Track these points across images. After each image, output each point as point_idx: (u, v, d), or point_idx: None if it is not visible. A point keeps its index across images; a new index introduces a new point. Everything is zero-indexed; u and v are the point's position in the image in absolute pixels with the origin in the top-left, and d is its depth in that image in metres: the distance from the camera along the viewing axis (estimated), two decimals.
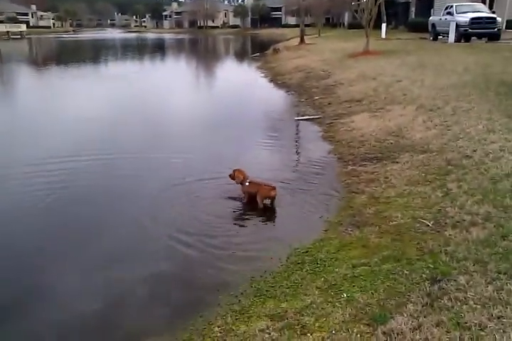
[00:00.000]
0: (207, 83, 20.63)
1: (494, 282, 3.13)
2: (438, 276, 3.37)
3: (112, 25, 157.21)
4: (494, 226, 4.00)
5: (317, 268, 3.91)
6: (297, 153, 8.16)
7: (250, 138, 9.16)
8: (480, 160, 5.70)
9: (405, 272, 3.56)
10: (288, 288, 3.67)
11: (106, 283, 4.14)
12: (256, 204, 5.61)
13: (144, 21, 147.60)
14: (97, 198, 6.21)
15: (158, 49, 46.70)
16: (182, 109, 13.07)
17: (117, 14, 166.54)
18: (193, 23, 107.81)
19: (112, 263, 4.52)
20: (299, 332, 3.06)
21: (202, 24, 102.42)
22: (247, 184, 5.76)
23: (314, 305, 3.32)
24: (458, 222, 4.31)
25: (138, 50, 45.44)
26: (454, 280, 3.27)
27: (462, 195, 4.89)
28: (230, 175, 5.97)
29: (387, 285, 3.42)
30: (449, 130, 7.24)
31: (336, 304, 3.30)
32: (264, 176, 6.33)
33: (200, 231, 5.07)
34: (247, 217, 5.43)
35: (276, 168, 7.14)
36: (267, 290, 3.69)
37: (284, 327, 3.13)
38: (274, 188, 5.58)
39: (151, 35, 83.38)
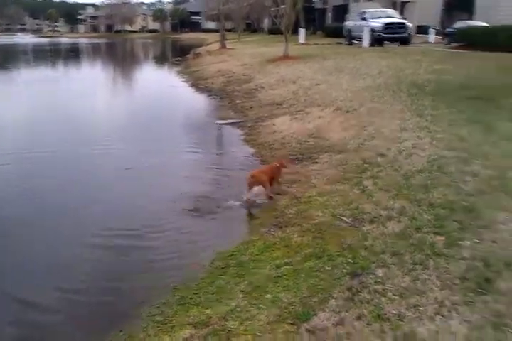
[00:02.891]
0: (124, 89, 20.07)
1: (410, 273, 3.25)
2: (358, 270, 3.46)
3: (23, 30, 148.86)
4: (408, 219, 4.17)
5: (241, 271, 3.88)
6: (219, 157, 8.10)
7: (170, 144, 8.98)
8: (394, 158, 5.95)
9: (327, 268, 3.62)
10: (212, 293, 3.61)
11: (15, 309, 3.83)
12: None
13: (58, 26, 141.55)
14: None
15: (73, 54, 44.82)
16: (98, 116, 12.61)
17: (29, 18, 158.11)
18: (110, 28, 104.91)
19: (23, 275, 4.23)
20: (223, 338, 3.00)
21: (119, 28, 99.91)
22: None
23: (239, 309, 3.28)
24: (375, 217, 4.46)
25: (51, 55, 43.36)
26: (373, 273, 3.37)
27: (378, 191, 5.07)
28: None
29: (310, 283, 3.45)
30: (364, 130, 7.51)
31: (261, 306, 3.28)
32: (186, 183, 6.25)
33: (120, 239, 4.87)
34: (169, 223, 5.28)
35: (197, 174, 7.02)
36: (190, 298, 3.60)
37: (208, 334, 3.06)
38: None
39: (65, 40, 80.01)
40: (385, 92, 9.79)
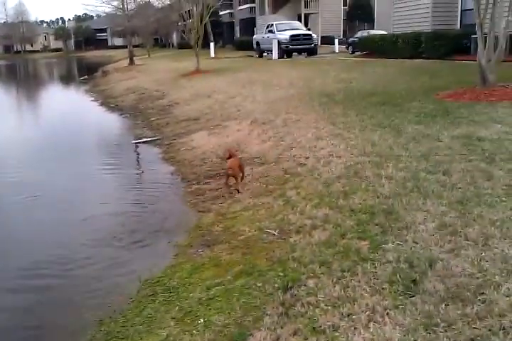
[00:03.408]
0: (29, 112, 18.90)
1: (340, 281, 3.26)
2: (289, 284, 3.42)
3: None
4: (333, 226, 4.22)
5: (171, 297, 3.71)
6: (137, 177, 7.82)
7: (83, 168, 8.52)
8: (313, 167, 6.05)
9: (258, 285, 3.56)
10: (141, 324, 3.41)
11: None
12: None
13: None
14: None
15: None
16: (3, 143, 11.74)
17: None
18: (8, 48, 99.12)
19: None
20: None
21: (19, 49, 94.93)
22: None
23: (171, 338, 3.13)
24: (300, 227, 4.47)
25: None
26: (304, 284, 3.35)
27: (301, 201, 5.12)
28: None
29: (243, 302, 3.37)
30: (282, 141, 7.61)
31: (194, 332, 3.15)
32: (102, 208, 6.02)
33: (34, 280, 4.52)
34: (88, 256, 4.94)
35: (115, 196, 6.76)
36: (118, 332, 3.38)
37: None
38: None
39: None
40: (298, 103, 10.03)
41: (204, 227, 5.19)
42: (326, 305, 3.01)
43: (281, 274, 3.62)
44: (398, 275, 3.11)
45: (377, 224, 4.00)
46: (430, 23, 20.09)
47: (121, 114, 14.63)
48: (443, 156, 5.37)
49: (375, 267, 3.33)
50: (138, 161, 9.22)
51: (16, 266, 4.79)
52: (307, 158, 6.46)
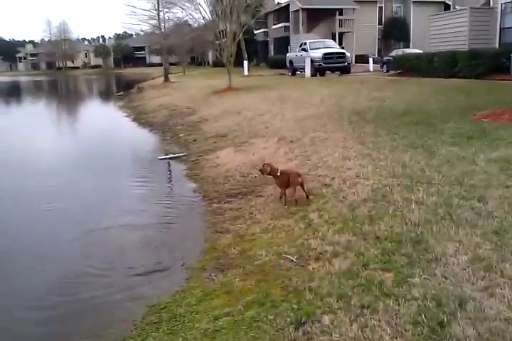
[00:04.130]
0: (65, 126, 19.28)
1: (358, 319, 2.95)
2: (302, 318, 3.13)
3: None
4: (355, 255, 3.91)
5: (176, 327, 3.46)
6: (159, 194, 7.63)
7: (107, 182, 8.49)
8: (338, 188, 5.76)
9: (269, 317, 3.27)
10: None
11: None
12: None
13: None
14: None
15: (14, 92, 43.32)
16: (38, 154, 11.86)
17: None
18: (51, 65, 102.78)
19: None
20: None
21: (61, 65, 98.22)
22: (278, 174, 5.82)
23: None
24: (320, 253, 4.18)
25: None
26: (318, 321, 3.05)
27: (324, 224, 4.82)
28: (260, 170, 6.11)
29: (251, 336, 3.10)
30: (308, 160, 7.35)
31: None
32: (122, 221, 5.84)
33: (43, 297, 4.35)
34: (98, 274, 4.76)
35: (135, 212, 6.60)
36: None
37: None
38: (300, 174, 5.76)
39: (4, 79, 77.52)
40: (327, 121, 9.76)
41: (220, 249, 4.94)
42: None
43: (296, 307, 3.32)
44: (424, 316, 2.78)
45: (403, 255, 3.66)
46: (467, 42, 19.59)
47: (151, 130, 14.66)
48: (478, 181, 4.99)
49: (399, 304, 3.00)
50: (162, 177, 9.07)
51: None
52: (333, 178, 6.17)
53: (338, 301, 3.22)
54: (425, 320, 2.73)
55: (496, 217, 4.02)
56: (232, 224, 5.63)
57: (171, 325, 3.51)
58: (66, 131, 17.15)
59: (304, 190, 5.73)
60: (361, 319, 2.93)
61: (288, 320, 3.17)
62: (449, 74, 17.20)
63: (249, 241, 4.98)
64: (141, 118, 17.23)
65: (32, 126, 17.31)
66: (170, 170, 9.45)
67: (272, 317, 3.26)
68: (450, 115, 8.97)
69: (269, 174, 5.99)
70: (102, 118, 19.84)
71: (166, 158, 10.14)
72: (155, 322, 3.60)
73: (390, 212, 4.60)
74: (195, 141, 11.66)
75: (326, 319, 3.03)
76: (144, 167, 9.78)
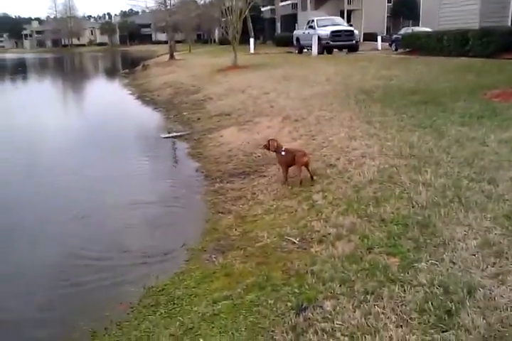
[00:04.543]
0: (69, 103, 19.15)
1: (362, 305, 2.83)
2: (304, 303, 3.01)
3: None
4: (359, 238, 3.77)
5: (173, 310, 3.37)
6: (160, 173, 7.49)
7: (109, 160, 8.36)
8: (343, 168, 5.59)
9: (270, 302, 3.16)
10: (137, 340, 3.07)
11: None
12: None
13: (2, 41, 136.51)
14: None
15: (21, 69, 42.93)
16: (43, 130, 11.71)
17: None
18: (56, 42, 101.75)
19: None
20: None
21: (67, 42, 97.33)
22: (282, 153, 5.64)
23: None
24: (324, 236, 4.05)
25: None
26: (320, 306, 2.94)
27: (327, 206, 4.68)
28: (264, 146, 5.95)
29: (250, 321, 2.99)
30: (313, 139, 7.16)
31: None
32: (123, 200, 5.74)
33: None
34: (95, 256, 4.64)
35: (136, 191, 6.48)
36: None
37: None
38: (305, 154, 5.54)
39: (11, 56, 77.00)
40: (333, 100, 9.53)
41: (221, 230, 4.83)
42: (343, 335, 2.59)
43: (297, 291, 3.21)
44: (430, 303, 2.65)
45: (410, 239, 3.52)
46: (478, 20, 19.07)
47: (155, 108, 14.45)
48: (489, 162, 4.81)
49: (404, 290, 2.87)
50: (164, 156, 8.90)
51: None
52: (338, 158, 6.00)
53: (340, 286, 3.10)
54: (432, 308, 2.61)
55: (506, 200, 3.86)
56: (234, 205, 5.51)
57: (168, 308, 3.42)
58: (70, 110, 16.97)
59: (308, 170, 5.57)
60: (365, 305, 2.81)
61: (289, 304, 3.06)
62: (459, 53, 16.78)
63: (250, 223, 4.86)
64: (145, 96, 17.00)
65: (38, 104, 17.10)
66: (173, 149, 9.31)
67: (272, 301, 3.15)
68: (460, 94, 8.72)
69: (274, 151, 5.81)
70: (106, 97, 19.59)
71: (169, 137, 9.98)
72: (152, 305, 3.51)
73: (397, 193, 4.45)
74: (199, 119, 11.47)
75: (328, 305, 2.91)
76: (146, 145, 9.65)
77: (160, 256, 4.49)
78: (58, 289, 4.06)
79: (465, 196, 4.05)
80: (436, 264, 3.10)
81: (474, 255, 3.12)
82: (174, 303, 3.46)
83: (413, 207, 4.07)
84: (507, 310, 2.49)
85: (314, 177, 5.52)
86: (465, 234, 3.41)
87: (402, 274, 3.07)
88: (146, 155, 8.70)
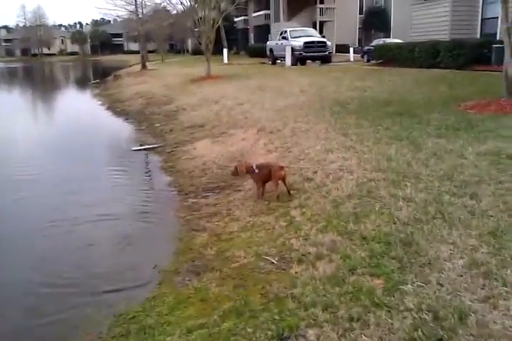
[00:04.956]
0: (37, 114, 18.57)
1: (347, 333, 2.65)
2: (285, 332, 2.82)
3: None
4: (341, 257, 3.61)
5: (144, 340, 3.12)
6: (130, 188, 7.18)
7: (77, 175, 7.99)
8: (321, 182, 5.44)
9: (248, 330, 2.95)
10: None
11: None
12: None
13: None
14: None
15: None
16: (8, 143, 11.29)
17: None
18: (26, 51, 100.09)
19: None
20: None
21: (37, 52, 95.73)
22: (256, 171, 5.38)
23: None
24: (303, 255, 3.87)
25: None
26: (303, 335, 2.74)
27: (306, 222, 4.51)
28: (233, 173, 5.65)
29: None
30: (289, 152, 7.02)
31: None
32: (90, 215, 5.48)
33: None
34: (60, 277, 4.36)
35: (105, 207, 6.16)
36: None
37: None
38: (282, 167, 5.35)
39: None
40: (308, 111, 9.44)
41: (195, 250, 4.60)
42: None
43: (277, 317, 3.00)
44: (420, 331, 2.49)
45: (393, 258, 3.37)
46: (449, 32, 19.46)
47: (126, 119, 14.14)
48: (469, 176, 4.73)
49: (391, 316, 2.71)
50: (135, 170, 8.57)
51: None
52: (315, 172, 5.85)
53: (323, 312, 2.91)
54: (423, 337, 2.44)
55: (491, 216, 3.76)
56: (209, 222, 5.29)
57: (139, 338, 3.16)
58: (38, 120, 16.49)
59: (285, 184, 5.40)
60: (350, 334, 2.63)
61: (269, 333, 2.85)
62: (431, 65, 17.03)
63: (226, 241, 4.64)
64: (116, 107, 16.66)
65: (4, 114, 16.59)
66: (144, 162, 9.03)
67: (251, 330, 2.94)
68: (434, 106, 8.75)
69: (246, 173, 5.56)
70: (76, 107, 19.13)
71: (140, 149, 9.70)
72: (122, 335, 3.25)
73: (377, 209, 4.31)
74: (171, 131, 11.23)
75: (312, 333, 2.72)
76: (116, 158, 9.35)
77: (130, 280, 4.23)
78: (18, 318, 3.75)
79: (447, 212, 3.94)
80: (423, 286, 2.95)
81: (462, 276, 2.98)
82: (145, 333, 3.21)
83: (394, 223, 3.94)
84: (502, 337, 2.34)
85: (291, 192, 5.36)
86: (451, 253, 3.28)
87: (387, 298, 2.90)
88: (115, 168, 8.37)
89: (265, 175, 5.36)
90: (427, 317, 2.61)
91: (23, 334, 3.54)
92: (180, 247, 4.76)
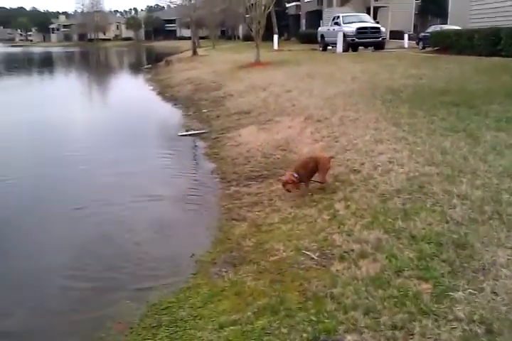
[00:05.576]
0: (90, 99, 18.96)
1: None
2: (321, 336, 2.64)
3: None
4: (386, 257, 3.37)
5: (175, 334, 3.03)
6: (174, 174, 7.12)
7: (123, 157, 8.07)
8: (368, 175, 5.18)
9: (282, 331, 2.79)
10: None
11: None
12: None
13: (30, 35, 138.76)
14: None
15: (46, 63, 43.33)
16: (61, 125, 11.59)
17: None
18: (82, 36, 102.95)
19: None
20: None
21: (92, 37, 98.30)
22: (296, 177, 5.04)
23: None
24: (346, 252, 3.66)
25: (24, 63, 41.86)
26: None
27: (350, 217, 4.29)
28: (287, 190, 5.13)
29: None
30: (336, 142, 6.75)
31: None
32: (131, 203, 5.48)
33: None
34: (96, 267, 4.32)
35: (144, 194, 6.10)
36: None
37: None
38: (330, 158, 5.24)
39: (38, 49, 77.97)
40: (358, 99, 9.07)
41: (234, 240, 4.48)
42: None
43: (314, 319, 2.83)
44: None
45: (444, 261, 3.11)
46: None
47: (175, 104, 14.19)
48: None
49: (439, 326, 2.48)
50: (179, 156, 8.53)
51: None
52: (362, 163, 5.58)
53: (364, 316, 2.71)
54: None
55: None
56: (250, 211, 5.15)
57: (170, 331, 3.08)
58: (92, 104, 16.86)
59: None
60: None
61: (304, 335, 2.69)
62: (491, 53, 16.05)
63: (266, 232, 4.49)
64: (165, 92, 16.76)
65: (62, 97, 17.15)
66: (189, 148, 8.97)
67: (285, 330, 2.79)
68: (494, 96, 8.17)
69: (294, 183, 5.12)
70: (127, 92, 19.41)
71: (186, 135, 9.67)
72: (153, 326, 3.17)
73: (428, 206, 4.03)
74: (218, 117, 11.14)
75: (350, 340, 2.53)
76: (162, 144, 9.35)
77: (167, 267, 4.16)
78: (48, 302, 3.76)
79: (506, 212, 3.61)
80: (476, 294, 2.69)
81: None
82: (177, 326, 3.12)
83: (447, 222, 3.65)
84: None
85: (337, 184, 5.13)
86: (508, 259, 2.99)
87: (435, 305, 2.67)
88: (160, 155, 8.35)
89: (312, 170, 5.13)
90: (478, 330, 2.37)
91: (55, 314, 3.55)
92: (218, 236, 4.66)
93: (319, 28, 28.82)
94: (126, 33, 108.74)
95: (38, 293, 3.88)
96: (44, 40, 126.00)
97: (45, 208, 5.85)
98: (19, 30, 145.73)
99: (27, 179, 6.98)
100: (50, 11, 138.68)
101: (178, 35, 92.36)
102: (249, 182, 6.18)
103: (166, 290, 3.66)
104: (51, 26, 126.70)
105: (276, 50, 28.30)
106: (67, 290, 3.88)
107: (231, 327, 2.95)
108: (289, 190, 5.12)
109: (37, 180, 6.98)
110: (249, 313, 3.08)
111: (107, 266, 4.28)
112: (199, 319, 3.15)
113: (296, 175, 5.07)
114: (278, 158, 6.94)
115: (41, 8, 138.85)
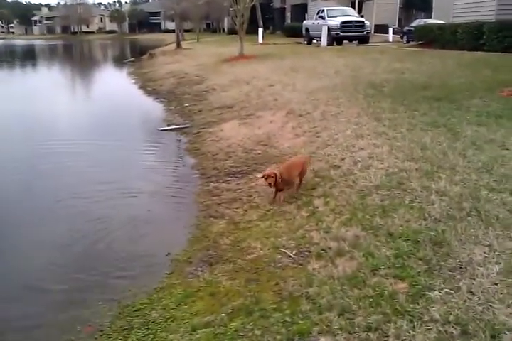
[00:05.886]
0: (72, 91, 18.62)
1: None
2: (295, 338, 2.58)
3: None
4: (363, 255, 3.32)
5: (146, 337, 2.94)
6: (154, 170, 6.99)
7: (100, 154, 7.90)
8: (348, 171, 5.12)
9: (256, 332, 2.73)
10: None
11: None
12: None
13: (12, 27, 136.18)
14: None
15: (28, 56, 42.52)
16: (40, 118, 11.36)
17: None
18: (66, 29, 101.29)
19: None
20: None
21: (76, 30, 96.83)
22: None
23: None
24: (323, 250, 3.61)
25: (5, 56, 41.06)
26: None
27: (329, 213, 4.23)
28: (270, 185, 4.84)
29: None
30: (317, 137, 6.69)
31: None
32: (107, 198, 5.36)
33: None
34: (66, 266, 4.20)
35: (120, 190, 5.96)
36: None
37: None
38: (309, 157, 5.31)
39: (20, 42, 76.53)
40: (341, 94, 9.01)
41: (211, 238, 4.39)
42: None
43: (289, 320, 2.77)
44: None
45: (421, 259, 3.07)
46: (495, 13, 18.31)
47: (157, 98, 13.98)
48: (510, 170, 4.32)
49: (414, 327, 2.43)
50: (159, 151, 8.37)
51: None
52: (343, 159, 5.53)
53: (339, 317, 2.65)
54: None
55: None
56: (228, 208, 5.06)
57: (141, 333, 2.99)
58: (74, 97, 16.54)
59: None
60: None
61: (278, 337, 2.63)
62: (474, 47, 16.10)
63: (244, 230, 4.42)
64: (148, 86, 16.52)
65: (43, 90, 16.86)
66: (169, 143, 8.82)
67: (259, 332, 2.72)
68: (475, 91, 8.18)
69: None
70: (109, 86, 19.12)
71: (167, 129, 9.52)
72: (124, 329, 3.08)
73: (407, 202, 3.99)
74: (200, 111, 11.00)
75: None
76: (141, 138, 9.18)
77: (141, 267, 4.06)
78: (12, 304, 3.64)
79: (484, 209, 3.57)
80: (452, 294, 2.65)
81: (497, 284, 2.66)
82: (149, 328, 3.03)
83: (425, 219, 3.61)
84: None
85: (316, 179, 5.07)
86: (485, 257, 2.95)
87: (411, 305, 2.62)
88: (139, 149, 8.21)
89: (293, 177, 5.00)
90: (454, 331, 2.33)
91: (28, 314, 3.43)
92: (196, 234, 4.57)
93: (304, 22, 28.70)
94: (110, 25, 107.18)
95: (1, 295, 3.74)
96: (26, 33, 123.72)
97: (17, 202, 5.70)
98: (0, 22, 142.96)
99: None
100: (33, 2, 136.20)
101: (162, 28, 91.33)
102: (229, 178, 6.10)
103: (139, 291, 3.56)
104: (33, 18, 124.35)
105: (261, 44, 28.11)
106: (34, 291, 3.75)
107: (204, 330, 2.87)
108: (270, 184, 4.84)
109: (12, 173, 6.82)
110: (223, 314, 3.00)
111: (77, 265, 4.17)
112: (172, 321, 3.07)
113: (279, 176, 4.80)
114: (259, 154, 6.86)
115: (23, 0, 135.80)
